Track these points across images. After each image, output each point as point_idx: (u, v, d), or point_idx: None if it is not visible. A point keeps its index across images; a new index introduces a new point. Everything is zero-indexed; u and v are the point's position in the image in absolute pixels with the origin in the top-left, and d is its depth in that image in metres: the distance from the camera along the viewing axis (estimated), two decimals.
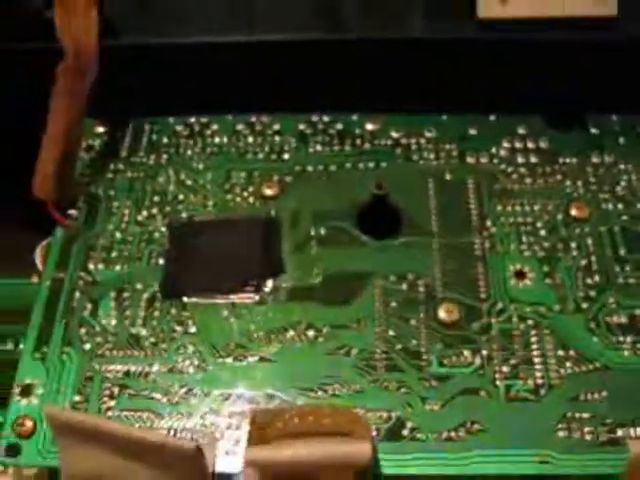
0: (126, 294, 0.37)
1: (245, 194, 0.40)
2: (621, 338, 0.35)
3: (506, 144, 0.41)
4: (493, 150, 0.41)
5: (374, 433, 0.32)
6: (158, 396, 0.34)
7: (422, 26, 0.43)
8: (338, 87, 0.42)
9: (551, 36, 0.42)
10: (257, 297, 0.36)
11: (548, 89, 0.42)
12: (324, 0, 0.43)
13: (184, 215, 0.39)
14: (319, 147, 0.41)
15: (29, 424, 0.33)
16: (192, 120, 0.43)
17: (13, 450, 0.32)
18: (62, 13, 0.39)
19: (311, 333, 0.35)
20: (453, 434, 0.32)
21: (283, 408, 0.32)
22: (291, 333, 0.35)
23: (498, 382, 0.33)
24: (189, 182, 0.40)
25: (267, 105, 0.43)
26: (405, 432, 0.32)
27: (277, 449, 0.28)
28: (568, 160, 0.41)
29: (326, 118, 0.43)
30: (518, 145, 0.41)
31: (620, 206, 0.39)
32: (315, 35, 0.42)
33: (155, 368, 0.35)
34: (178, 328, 0.36)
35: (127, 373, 0.34)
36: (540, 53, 0.42)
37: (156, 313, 0.36)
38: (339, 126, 0.42)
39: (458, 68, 0.42)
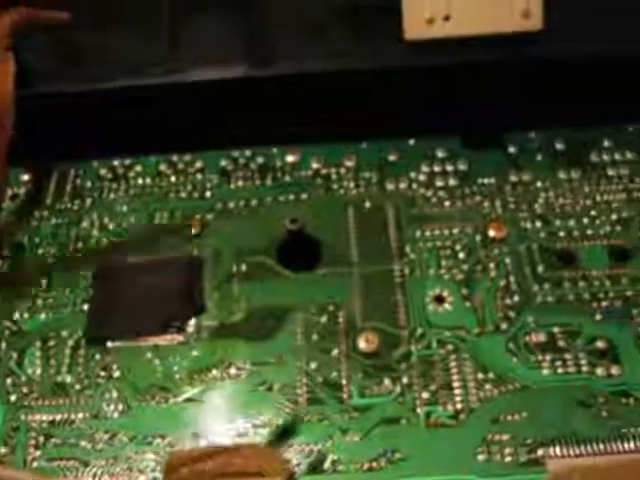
0: (52, 342, 0.37)
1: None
2: (540, 357, 0.35)
3: (425, 168, 0.42)
4: (412, 175, 0.41)
5: (295, 469, 0.32)
6: (83, 443, 0.34)
7: (347, 52, 0.43)
8: (260, 121, 0.42)
9: (468, 58, 0.42)
10: (180, 337, 0.36)
11: (467, 109, 0.42)
12: (251, 39, 0.44)
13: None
14: (240, 182, 0.42)
15: None
16: (116, 163, 0.43)
17: None
18: None
19: (233, 371, 0.35)
20: (374, 464, 0.32)
21: (199, 449, 0.32)
22: (214, 372, 0.35)
23: (418, 409, 0.34)
24: (112, 226, 0.41)
25: (190, 143, 0.43)
26: (327, 465, 0.32)
27: None
28: (486, 180, 0.41)
29: (247, 153, 0.43)
30: (437, 169, 0.42)
31: (538, 224, 0.39)
32: (236, 72, 0.42)
33: (80, 415, 0.35)
34: (102, 373, 0.36)
35: (52, 422, 0.34)
36: (457, 74, 0.42)
37: (81, 360, 0.36)
38: (260, 160, 0.43)
39: (377, 95, 0.43)
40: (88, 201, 0.42)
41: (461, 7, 0.42)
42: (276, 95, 0.43)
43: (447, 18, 0.42)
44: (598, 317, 0.36)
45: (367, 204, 0.40)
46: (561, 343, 0.35)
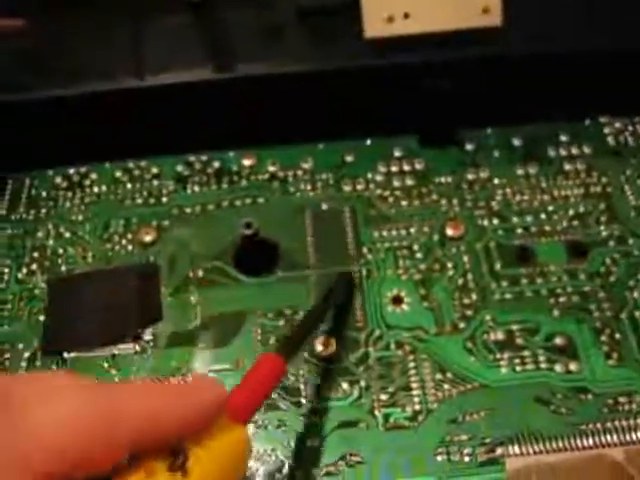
0: (7, 355, 0.36)
1: (124, 242, 0.40)
2: (498, 355, 0.35)
3: (382, 168, 0.41)
4: (369, 175, 0.41)
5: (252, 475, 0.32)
6: None
7: (306, 53, 0.42)
8: (216, 125, 0.42)
9: (426, 56, 0.42)
10: (137, 346, 0.36)
11: (424, 107, 0.42)
12: (210, 43, 0.43)
13: (63, 269, 0.39)
14: (197, 188, 0.41)
15: None
16: (71, 171, 0.43)
17: None
18: None
19: (191, 379, 0.35)
20: (332, 468, 0.32)
21: None
22: (172, 381, 0.35)
23: (376, 412, 0.33)
24: (68, 235, 0.40)
25: (145, 149, 0.43)
26: (285, 471, 0.32)
27: None
28: (444, 179, 0.41)
29: (203, 157, 0.42)
30: (394, 168, 0.41)
31: (495, 221, 0.39)
32: (191, 77, 0.42)
33: None
34: None
35: None
36: (413, 72, 0.42)
37: (37, 371, 0.36)
38: (216, 164, 0.42)
39: (334, 95, 0.42)
40: (43, 211, 0.41)
41: (420, 4, 0.42)
42: (232, 98, 0.42)
43: (407, 16, 0.42)
44: (556, 313, 0.36)
45: (324, 206, 0.40)
46: (519, 341, 0.35)
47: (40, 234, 0.40)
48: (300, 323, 0.34)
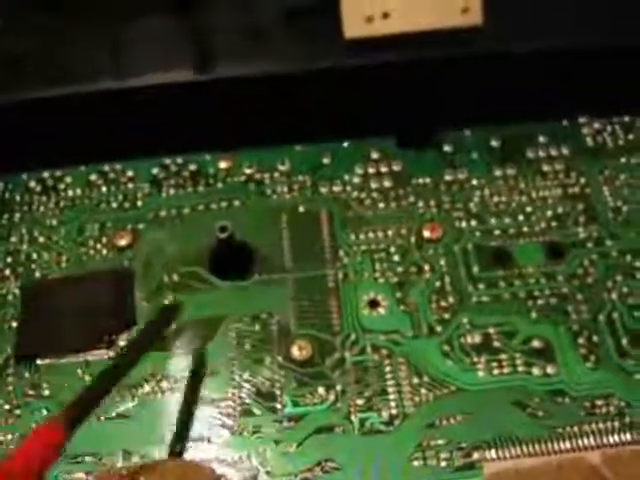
0: None
1: (98, 246, 0.39)
2: (475, 358, 0.35)
3: (359, 170, 0.41)
4: (346, 177, 0.41)
5: None
6: None
7: (281, 54, 0.42)
8: (191, 127, 0.42)
9: (403, 56, 0.42)
10: (111, 352, 0.36)
11: (402, 108, 0.42)
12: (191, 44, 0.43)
13: (37, 274, 0.38)
14: (172, 191, 0.41)
15: None
16: (45, 175, 0.42)
17: None
18: None
19: (165, 385, 0.35)
20: (309, 475, 0.32)
21: (127, 467, 0.31)
22: (146, 387, 0.35)
23: (353, 417, 0.33)
24: (42, 239, 0.40)
25: (120, 151, 0.42)
26: (261, 477, 0.32)
27: None
28: (421, 181, 0.41)
29: (179, 160, 0.42)
30: (371, 170, 0.41)
31: (473, 223, 0.39)
32: (166, 79, 0.42)
33: (9, 436, 0.34)
34: (32, 392, 0.35)
35: None
36: (391, 73, 0.42)
37: (10, 379, 0.35)
38: (192, 167, 0.42)
39: (311, 96, 0.42)
40: (17, 215, 0.41)
41: (400, 4, 0.41)
42: (207, 101, 0.42)
43: (386, 16, 0.42)
44: (534, 315, 0.36)
45: (301, 208, 0.40)
46: (496, 344, 0.35)
47: (14, 239, 0.40)
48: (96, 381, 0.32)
